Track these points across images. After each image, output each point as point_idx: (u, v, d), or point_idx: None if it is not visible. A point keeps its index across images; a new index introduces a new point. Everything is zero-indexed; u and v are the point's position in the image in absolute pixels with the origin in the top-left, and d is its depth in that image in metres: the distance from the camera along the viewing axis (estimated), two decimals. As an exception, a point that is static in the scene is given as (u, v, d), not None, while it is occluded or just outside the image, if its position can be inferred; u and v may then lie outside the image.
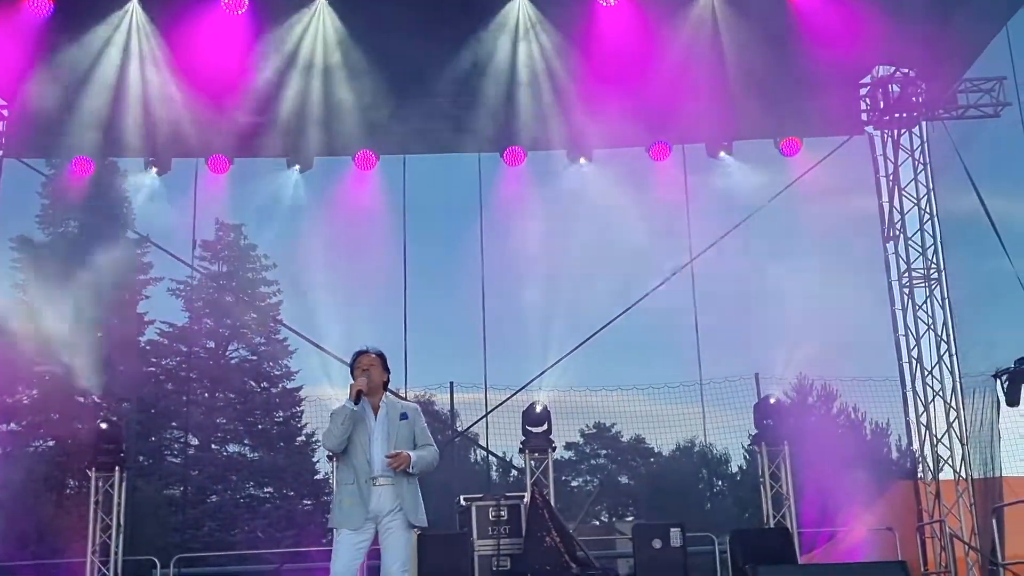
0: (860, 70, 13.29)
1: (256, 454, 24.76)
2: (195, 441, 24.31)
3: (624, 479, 29.79)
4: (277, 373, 25.27)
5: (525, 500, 11.01)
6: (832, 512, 13.35)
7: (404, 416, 5.93)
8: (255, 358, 25.30)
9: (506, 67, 12.26)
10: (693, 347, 14.97)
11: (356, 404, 5.80)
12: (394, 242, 13.71)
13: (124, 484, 11.90)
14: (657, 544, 10.27)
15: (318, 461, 25.57)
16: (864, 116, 13.56)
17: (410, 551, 5.90)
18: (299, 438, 24.81)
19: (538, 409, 12.21)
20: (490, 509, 10.79)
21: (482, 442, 16.99)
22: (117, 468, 11.82)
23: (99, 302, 24.38)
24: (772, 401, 12.52)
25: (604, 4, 11.11)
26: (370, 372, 5.88)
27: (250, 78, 11.82)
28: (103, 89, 11.99)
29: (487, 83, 12.38)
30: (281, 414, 25.15)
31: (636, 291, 13.97)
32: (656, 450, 26.47)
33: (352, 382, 5.87)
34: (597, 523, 20.62)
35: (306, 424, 24.75)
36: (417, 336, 13.99)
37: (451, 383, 17.46)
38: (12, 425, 22.27)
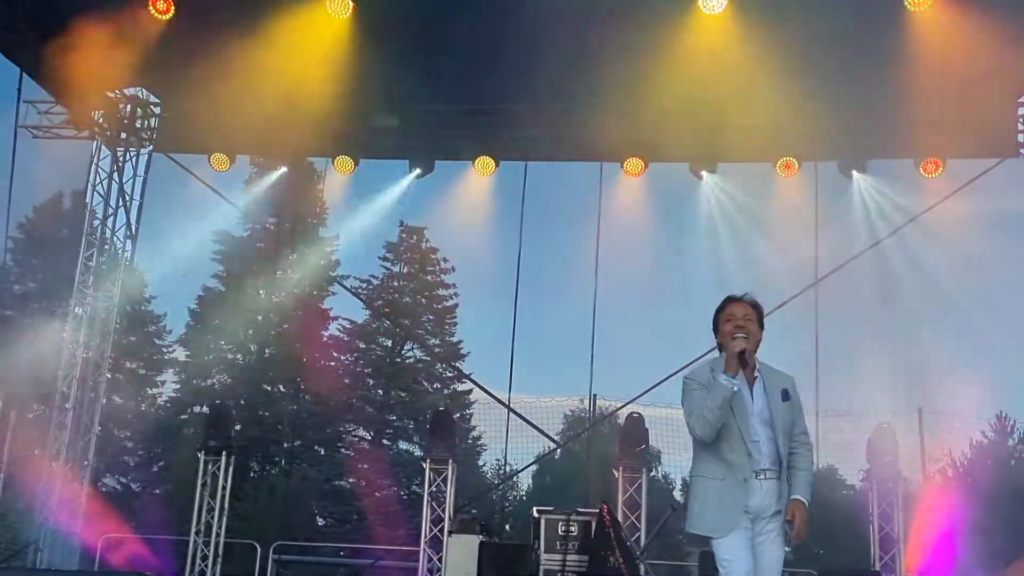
0: (1017, 86, 12.16)
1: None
2: (367, 435, 25.19)
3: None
4: (449, 375, 25.84)
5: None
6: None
7: (787, 396, 4.49)
8: (428, 359, 25.94)
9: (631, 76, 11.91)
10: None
11: (736, 375, 4.34)
12: (510, 248, 13.70)
13: (231, 468, 12.47)
14: (722, 575, 9.74)
15: (484, 464, 26.00)
16: (1021, 137, 12.39)
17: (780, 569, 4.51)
18: (467, 440, 25.25)
19: (635, 426, 11.90)
20: (560, 523, 10.59)
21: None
22: (224, 453, 12.39)
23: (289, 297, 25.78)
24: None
25: (707, 11, 10.64)
26: (747, 329, 4.40)
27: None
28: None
29: (611, 88, 12.10)
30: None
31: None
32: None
33: (730, 342, 4.37)
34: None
35: (475, 426, 25.24)
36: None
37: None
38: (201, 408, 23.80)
